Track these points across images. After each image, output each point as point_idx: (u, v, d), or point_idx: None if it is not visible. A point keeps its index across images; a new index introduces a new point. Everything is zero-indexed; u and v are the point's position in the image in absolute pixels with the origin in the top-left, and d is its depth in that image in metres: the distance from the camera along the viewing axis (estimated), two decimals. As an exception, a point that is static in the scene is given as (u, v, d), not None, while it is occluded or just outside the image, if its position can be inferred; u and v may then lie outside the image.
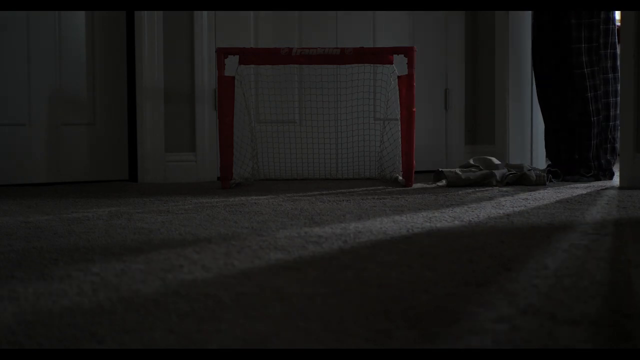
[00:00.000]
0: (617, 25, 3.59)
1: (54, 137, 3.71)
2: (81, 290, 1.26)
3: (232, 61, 3.45)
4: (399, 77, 3.50)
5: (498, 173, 3.33)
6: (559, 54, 3.61)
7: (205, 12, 3.84)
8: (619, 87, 3.51)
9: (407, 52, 3.37)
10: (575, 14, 3.54)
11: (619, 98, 3.51)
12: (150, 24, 3.75)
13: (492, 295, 1.21)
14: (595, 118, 3.60)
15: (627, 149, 3.17)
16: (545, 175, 3.36)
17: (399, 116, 3.54)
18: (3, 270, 1.44)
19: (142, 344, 0.96)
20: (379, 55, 3.47)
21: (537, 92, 3.80)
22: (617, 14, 3.78)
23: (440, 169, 3.46)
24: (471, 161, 3.55)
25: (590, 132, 3.60)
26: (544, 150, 3.97)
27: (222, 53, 3.34)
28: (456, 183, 3.30)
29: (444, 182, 3.45)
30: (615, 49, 3.63)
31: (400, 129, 3.53)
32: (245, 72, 3.70)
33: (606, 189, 3.16)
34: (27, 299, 1.20)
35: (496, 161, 3.50)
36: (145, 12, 3.73)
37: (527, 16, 4.24)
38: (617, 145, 3.61)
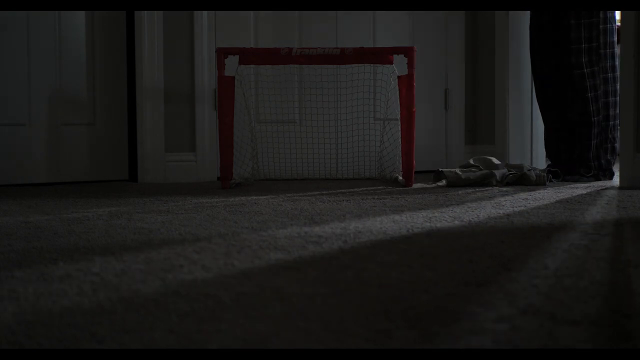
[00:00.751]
0: (617, 25, 3.59)
1: (54, 137, 3.71)
2: (81, 290, 1.26)
3: (232, 61, 3.45)
4: (399, 77, 3.50)
5: (498, 173, 3.33)
6: (558, 54, 3.61)
7: (205, 12, 3.84)
8: (618, 87, 3.51)
9: (407, 52, 3.37)
10: (575, 14, 3.54)
11: (618, 97, 3.51)
12: (150, 24, 3.75)
13: (492, 295, 1.21)
14: (595, 118, 3.60)
15: (627, 149, 3.17)
16: (545, 175, 3.36)
17: (399, 116, 3.54)
18: (3, 270, 1.44)
19: (142, 344, 0.96)
20: (379, 55, 3.47)
21: (536, 92, 3.80)
22: (617, 14, 3.78)
23: (440, 169, 3.46)
24: (471, 161, 3.55)
25: (590, 132, 3.60)
26: (544, 150, 3.97)
27: (222, 53, 3.34)
28: (456, 183, 3.30)
29: (444, 182, 3.45)
30: (614, 48, 3.63)
31: (400, 129, 3.53)
32: (245, 72, 3.70)
33: (606, 189, 3.16)
34: (27, 299, 1.20)
35: (496, 161, 3.50)
36: (145, 12, 3.73)
37: (527, 16, 4.24)
38: (617, 145, 3.61)
